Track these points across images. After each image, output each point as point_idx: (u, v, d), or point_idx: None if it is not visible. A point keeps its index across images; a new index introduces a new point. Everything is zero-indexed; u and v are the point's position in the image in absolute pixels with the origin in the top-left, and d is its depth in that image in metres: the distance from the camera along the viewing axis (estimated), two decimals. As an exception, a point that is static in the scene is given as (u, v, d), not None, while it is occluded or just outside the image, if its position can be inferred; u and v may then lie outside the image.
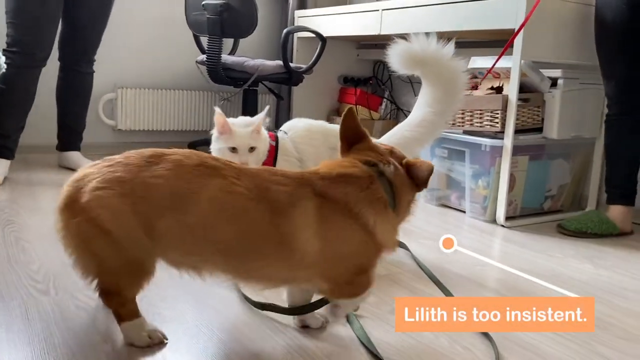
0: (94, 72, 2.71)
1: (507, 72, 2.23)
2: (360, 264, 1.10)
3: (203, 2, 2.80)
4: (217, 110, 1.54)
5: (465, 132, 2.32)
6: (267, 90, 3.34)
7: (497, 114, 2.18)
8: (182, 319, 1.24)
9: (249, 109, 3.17)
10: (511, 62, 2.12)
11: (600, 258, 1.85)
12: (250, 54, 3.56)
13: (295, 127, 1.69)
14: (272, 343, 1.15)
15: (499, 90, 2.29)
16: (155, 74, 3.38)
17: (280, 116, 3.63)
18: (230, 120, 1.56)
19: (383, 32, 2.75)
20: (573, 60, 2.25)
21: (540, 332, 1.26)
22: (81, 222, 1.03)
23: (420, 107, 1.64)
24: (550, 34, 2.15)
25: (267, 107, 1.65)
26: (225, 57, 2.93)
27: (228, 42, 3.21)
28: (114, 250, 1.04)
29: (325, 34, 2.97)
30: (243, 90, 3.08)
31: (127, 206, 1.02)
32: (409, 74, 1.68)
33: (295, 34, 3.38)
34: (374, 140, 1.20)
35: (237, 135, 1.52)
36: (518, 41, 2.07)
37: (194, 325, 1.21)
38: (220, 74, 2.88)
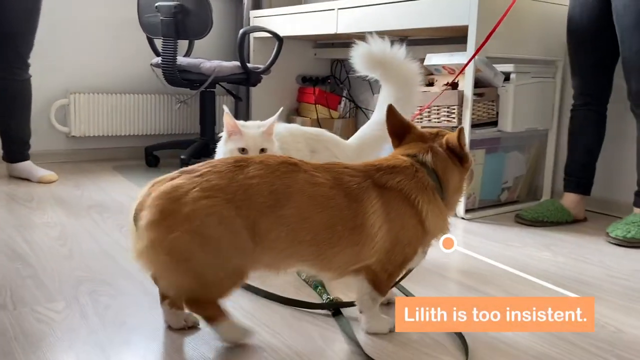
0: (31, 76, 2.60)
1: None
2: (408, 252, 1.15)
3: (156, 4, 2.75)
4: (226, 110, 1.49)
5: (423, 128, 2.36)
6: (225, 92, 3.31)
7: (454, 109, 2.22)
8: (147, 326, 1.21)
9: (207, 111, 3.14)
10: (466, 58, 2.16)
11: (557, 245, 1.92)
12: (205, 55, 3.52)
13: (277, 132, 1.66)
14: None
15: (454, 86, 2.34)
16: (109, 78, 3.30)
17: (239, 117, 3.60)
18: (241, 122, 1.53)
19: (339, 31, 2.77)
20: (524, 54, 2.32)
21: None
22: (181, 236, 1.00)
23: (383, 106, 1.66)
24: (502, 30, 2.20)
25: (281, 109, 1.61)
26: (181, 59, 2.89)
27: (183, 44, 3.17)
28: (218, 260, 1.04)
29: (281, 34, 2.97)
30: (200, 92, 3.04)
31: (233, 211, 1.03)
32: (370, 75, 1.70)
33: (251, 34, 3.36)
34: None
35: (248, 135, 1.47)
36: (472, 37, 2.12)
37: (161, 331, 1.19)
38: (176, 76, 2.83)
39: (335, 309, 1.28)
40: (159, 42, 2.87)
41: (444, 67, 2.38)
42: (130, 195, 2.44)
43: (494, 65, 2.29)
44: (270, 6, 3.54)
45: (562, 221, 2.18)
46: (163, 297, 1.18)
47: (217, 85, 3.06)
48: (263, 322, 1.25)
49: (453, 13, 2.21)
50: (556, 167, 2.55)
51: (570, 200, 2.23)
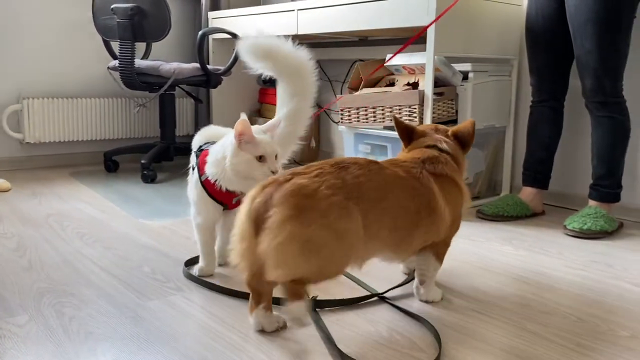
0: None
1: (421, 67, 2.32)
2: (459, 224, 1.39)
3: (112, 6, 2.69)
4: (243, 116, 1.37)
5: (386, 128, 2.39)
6: (185, 94, 3.27)
7: (415, 108, 2.26)
8: (115, 335, 1.19)
9: (167, 114, 3.09)
10: (425, 58, 2.20)
11: (517, 239, 1.98)
12: (164, 57, 3.47)
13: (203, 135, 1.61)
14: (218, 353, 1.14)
15: (415, 85, 2.37)
16: (64, 82, 3.21)
17: (200, 120, 3.57)
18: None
19: (300, 32, 2.77)
20: (481, 54, 2.38)
21: (468, 313, 1.33)
22: (317, 229, 1.08)
23: (285, 102, 1.65)
24: (460, 29, 2.25)
25: (278, 116, 1.51)
26: (139, 62, 2.83)
27: (140, 46, 3.11)
28: (343, 251, 1.13)
29: (241, 35, 2.95)
30: (159, 95, 2.99)
31: (354, 206, 1.14)
32: (259, 69, 1.65)
33: (210, 35, 3.33)
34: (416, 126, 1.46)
35: (265, 142, 1.39)
36: (430, 38, 2.16)
37: (130, 340, 1.17)
38: (134, 79, 2.78)
39: (314, 307, 1.31)
40: (115, 45, 2.81)
41: (404, 67, 2.42)
42: (89, 202, 2.38)
43: (452, 64, 2.34)
44: (229, 7, 3.51)
45: (521, 215, 2.25)
46: (257, 303, 1.21)
47: (176, 87, 3.02)
48: (233, 326, 1.24)
49: (412, 14, 2.24)
50: (514, 162, 2.62)
51: (528, 194, 2.30)
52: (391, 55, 2.45)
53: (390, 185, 1.22)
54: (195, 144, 1.58)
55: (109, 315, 1.29)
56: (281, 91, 1.66)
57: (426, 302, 1.40)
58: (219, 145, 1.45)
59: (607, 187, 2.09)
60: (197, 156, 1.53)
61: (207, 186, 1.47)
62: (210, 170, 1.44)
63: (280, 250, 1.07)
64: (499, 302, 1.42)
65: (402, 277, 1.57)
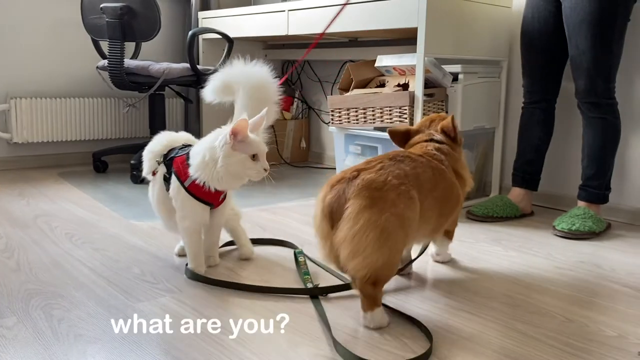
0: None
1: (412, 69, 2.33)
2: (462, 207, 1.55)
3: (101, 5, 2.67)
4: (244, 115, 1.37)
5: (377, 129, 2.40)
6: (175, 94, 3.25)
7: (405, 109, 2.26)
8: (104, 337, 1.18)
9: (157, 114, 3.07)
10: (416, 60, 2.21)
11: (507, 240, 1.99)
12: (153, 57, 3.46)
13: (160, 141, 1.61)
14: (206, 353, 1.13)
15: (405, 87, 2.38)
16: (52, 81, 3.19)
17: (189, 120, 3.56)
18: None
19: (291, 33, 2.77)
20: (471, 55, 2.39)
21: (458, 314, 1.34)
22: (390, 217, 1.19)
23: (242, 112, 1.59)
24: (450, 31, 2.26)
25: (265, 109, 1.50)
26: (129, 62, 2.82)
27: (129, 46, 3.09)
28: (408, 238, 1.25)
29: (231, 35, 2.94)
30: (149, 95, 2.98)
31: (416, 195, 1.27)
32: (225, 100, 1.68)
33: (200, 35, 3.32)
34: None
35: (256, 141, 1.40)
36: (421, 39, 2.17)
37: (120, 342, 1.16)
38: (123, 79, 2.76)
39: (314, 295, 1.41)
40: (104, 44, 2.79)
41: (394, 68, 2.42)
42: (78, 202, 2.37)
43: (442, 66, 2.35)
44: (219, 7, 3.50)
45: (510, 216, 2.26)
46: (375, 303, 1.25)
47: (166, 87, 3.01)
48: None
49: (402, 15, 2.25)
50: (503, 163, 2.64)
51: (517, 195, 2.31)
52: (383, 56, 2.45)
53: (437, 177, 1.38)
54: (157, 152, 1.56)
55: (98, 317, 1.28)
56: (240, 105, 1.64)
57: (443, 262, 1.72)
58: (200, 147, 1.45)
59: (596, 188, 2.11)
60: (168, 165, 1.52)
61: (194, 190, 1.46)
62: (197, 174, 1.43)
63: (358, 238, 1.16)
64: (489, 302, 1.43)
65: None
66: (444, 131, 1.55)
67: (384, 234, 1.17)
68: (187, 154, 1.50)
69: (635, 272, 1.68)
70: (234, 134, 1.37)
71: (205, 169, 1.42)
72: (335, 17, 1.63)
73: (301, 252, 1.67)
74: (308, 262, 1.68)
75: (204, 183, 1.43)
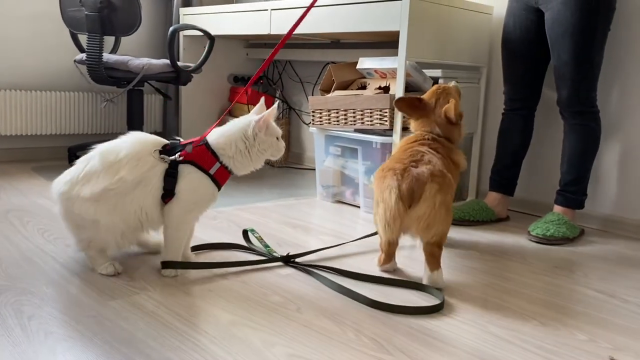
0: None
1: (393, 72, 2.34)
2: (456, 186, 1.75)
3: (80, -3, 2.62)
4: (275, 104, 1.62)
5: (357, 131, 2.40)
6: (154, 90, 3.21)
7: (386, 112, 2.27)
8: (76, 335, 1.16)
9: (135, 110, 3.03)
10: (397, 63, 2.22)
11: (483, 244, 2.01)
12: (132, 52, 3.41)
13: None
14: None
15: (386, 90, 2.39)
16: (28, 74, 3.12)
17: (168, 116, 3.52)
18: (248, 118, 1.60)
19: (273, 32, 2.76)
20: (451, 60, 2.41)
21: (435, 316, 1.35)
22: (450, 197, 1.55)
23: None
24: (431, 36, 2.28)
25: (277, 102, 1.71)
26: (108, 56, 2.78)
27: (109, 40, 3.05)
28: (451, 210, 1.59)
29: (212, 33, 2.92)
30: (128, 90, 2.94)
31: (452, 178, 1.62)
32: None
33: (181, 32, 3.29)
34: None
35: (276, 127, 1.62)
36: (403, 43, 2.18)
37: (91, 340, 1.14)
38: (102, 74, 2.72)
39: (286, 260, 1.67)
40: (83, 38, 2.75)
41: (375, 70, 2.43)
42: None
43: (423, 70, 2.37)
44: (201, 4, 3.47)
45: (486, 220, 2.29)
46: (389, 259, 1.69)
47: (145, 83, 2.97)
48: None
49: (385, 18, 2.26)
50: (481, 168, 2.67)
51: (494, 199, 2.34)
52: (364, 58, 2.46)
53: (448, 165, 1.67)
54: (148, 144, 1.54)
55: (70, 315, 1.25)
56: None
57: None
58: (226, 137, 1.55)
59: (574, 193, 2.15)
60: (176, 157, 1.51)
61: (219, 177, 1.55)
62: (232, 161, 1.55)
63: (434, 214, 1.51)
64: (464, 305, 1.44)
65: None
66: (446, 115, 1.75)
67: (449, 210, 1.55)
68: (205, 145, 1.55)
69: (606, 278, 1.72)
70: (266, 123, 1.56)
71: (239, 155, 1.56)
72: (302, 17, 1.66)
73: (253, 229, 1.86)
74: (254, 240, 1.84)
75: (230, 170, 1.56)
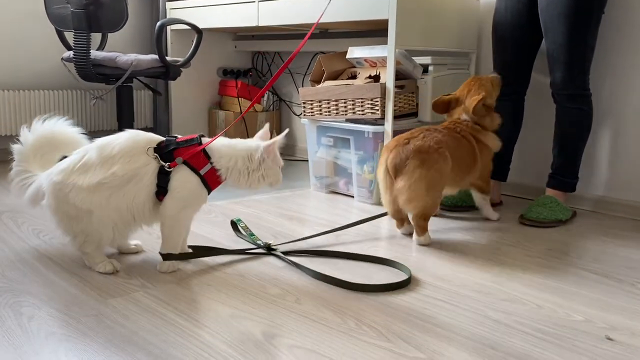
0: None
1: (383, 61, 2.34)
2: (490, 167, 2.07)
3: (65, -6, 2.59)
4: (283, 135, 1.60)
5: (348, 120, 2.41)
6: (143, 86, 3.20)
7: (377, 101, 2.28)
8: (77, 335, 1.16)
9: (124, 107, 3.01)
10: (387, 52, 2.22)
11: (478, 229, 2.03)
12: (119, 48, 3.39)
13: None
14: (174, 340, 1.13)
15: (376, 78, 2.39)
16: (14, 73, 3.09)
17: (158, 112, 3.50)
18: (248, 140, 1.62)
19: (261, 24, 2.75)
20: (441, 47, 2.41)
21: (433, 302, 1.36)
22: (434, 172, 1.73)
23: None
24: (420, 23, 2.28)
25: (287, 130, 1.72)
26: (96, 53, 2.75)
27: (95, 37, 3.02)
28: (444, 185, 1.80)
29: (200, 26, 2.90)
30: (117, 87, 2.92)
31: (448, 155, 1.79)
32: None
33: (169, 26, 3.26)
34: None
35: (279, 156, 1.62)
36: (392, 31, 2.18)
37: (93, 339, 1.14)
38: (90, 71, 2.70)
39: (268, 250, 1.71)
40: (69, 35, 2.72)
41: (365, 60, 2.43)
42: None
43: (412, 57, 2.37)
44: (188, -3, 3.45)
45: (480, 205, 2.31)
46: (401, 224, 1.91)
47: (134, 79, 2.95)
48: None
49: (373, 7, 2.25)
50: (473, 154, 2.68)
51: (486, 185, 2.35)
52: (354, 48, 2.46)
53: (457, 142, 1.87)
54: (142, 142, 1.54)
55: (70, 314, 1.26)
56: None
57: (488, 218, 2.14)
58: (231, 149, 1.57)
59: (566, 176, 2.16)
60: (168, 157, 1.51)
61: (208, 178, 1.54)
62: (227, 171, 1.56)
63: (413, 187, 1.67)
64: (462, 291, 1.46)
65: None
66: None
67: (430, 184, 1.66)
68: (197, 145, 1.55)
69: (599, 259, 1.74)
70: (272, 152, 1.58)
71: (237, 172, 1.57)
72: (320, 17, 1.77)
73: (240, 219, 1.92)
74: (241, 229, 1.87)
75: (225, 178, 1.57)
